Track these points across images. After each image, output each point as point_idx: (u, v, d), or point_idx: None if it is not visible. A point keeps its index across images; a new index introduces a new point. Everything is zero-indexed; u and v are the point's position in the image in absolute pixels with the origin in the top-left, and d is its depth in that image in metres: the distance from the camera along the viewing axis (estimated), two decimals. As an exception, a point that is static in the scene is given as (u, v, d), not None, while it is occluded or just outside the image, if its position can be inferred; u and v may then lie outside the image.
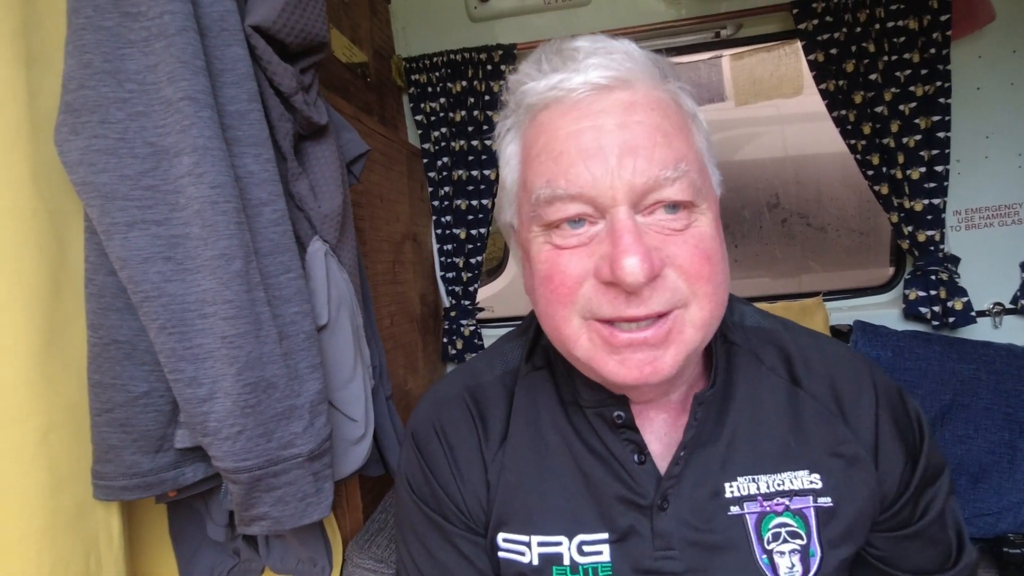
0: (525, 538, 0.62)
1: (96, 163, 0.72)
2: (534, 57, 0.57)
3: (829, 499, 0.60)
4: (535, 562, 0.61)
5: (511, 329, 0.75)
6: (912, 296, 1.79)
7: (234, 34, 0.81)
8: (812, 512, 0.60)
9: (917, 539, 0.62)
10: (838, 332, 1.85)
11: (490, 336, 2.11)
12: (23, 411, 0.70)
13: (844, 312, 1.91)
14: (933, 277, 1.75)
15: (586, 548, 0.60)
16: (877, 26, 1.68)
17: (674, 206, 0.51)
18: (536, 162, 0.54)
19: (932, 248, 1.74)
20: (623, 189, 0.49)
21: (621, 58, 0.52)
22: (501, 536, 0.63)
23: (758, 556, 0.59)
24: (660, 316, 0.51)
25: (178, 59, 0.72)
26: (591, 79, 0.52)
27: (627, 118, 0.51)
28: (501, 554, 0.63)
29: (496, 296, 2.59)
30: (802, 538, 0.60)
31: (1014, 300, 1.78)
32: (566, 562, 0.60)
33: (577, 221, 0.52)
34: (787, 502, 0.60)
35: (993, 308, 1.80)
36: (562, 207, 0.51)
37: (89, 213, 0.73)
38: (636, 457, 0.60)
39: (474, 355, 0.74)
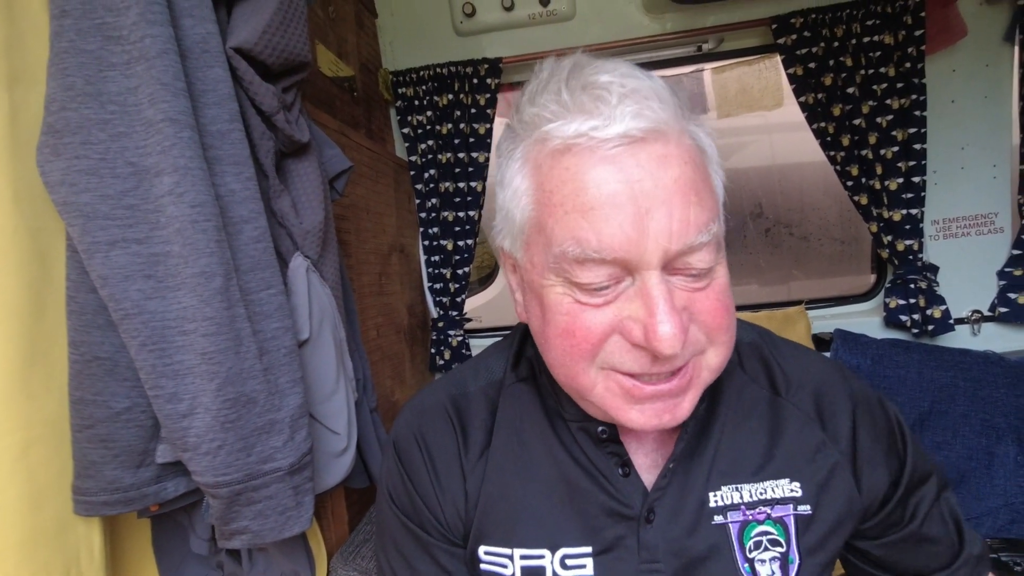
0: (507, 551, 0.62)
1: (77, 183, 0.73)
2: (552, 86, 0.52)
3: (808, 507, 0.61)
4: (518, 575, 0.61)
5: (498, 340, 0.75)
6: (892, 304, 1.82)
7: (215, 56, 0.82)
8: (792, 520, 0.61)
9: (912, 540, 0.63)
10: (820, 340, 1.88)
11: (478, 346, 2.12)
12: (2, 426, 0.71)
13: (827, 320, 1.94)
14: (912, 285, 1.78)
15: (569, 562, 0.60)
16: (854, 41, 1.72)
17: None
18: (559, 211, 0.50)
19: (911, 257, 1.77)
20: (658, 254, 0.47)
21: (657, 106, 0.48)
22: (483, 549, 0.63)
23: (740, 565, 0.59)
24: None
25: (159, 81, 0.74)
26: (628, 131, 0.47)
27: (663, 174, 0.48)
28: (483, 567, 0.63)
29: (485, 306, 2.60)
30: (782, 546, 0.60)
31: (992, 308, 1.82)
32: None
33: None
34: (768, 510, 0.61)
35: (972, 316, 1.83)
36: (594, 269, 0.49)
37: (70, 232, 0.74)
38: (620, 470, 0.61)
39: (459, 364, 0.73)
